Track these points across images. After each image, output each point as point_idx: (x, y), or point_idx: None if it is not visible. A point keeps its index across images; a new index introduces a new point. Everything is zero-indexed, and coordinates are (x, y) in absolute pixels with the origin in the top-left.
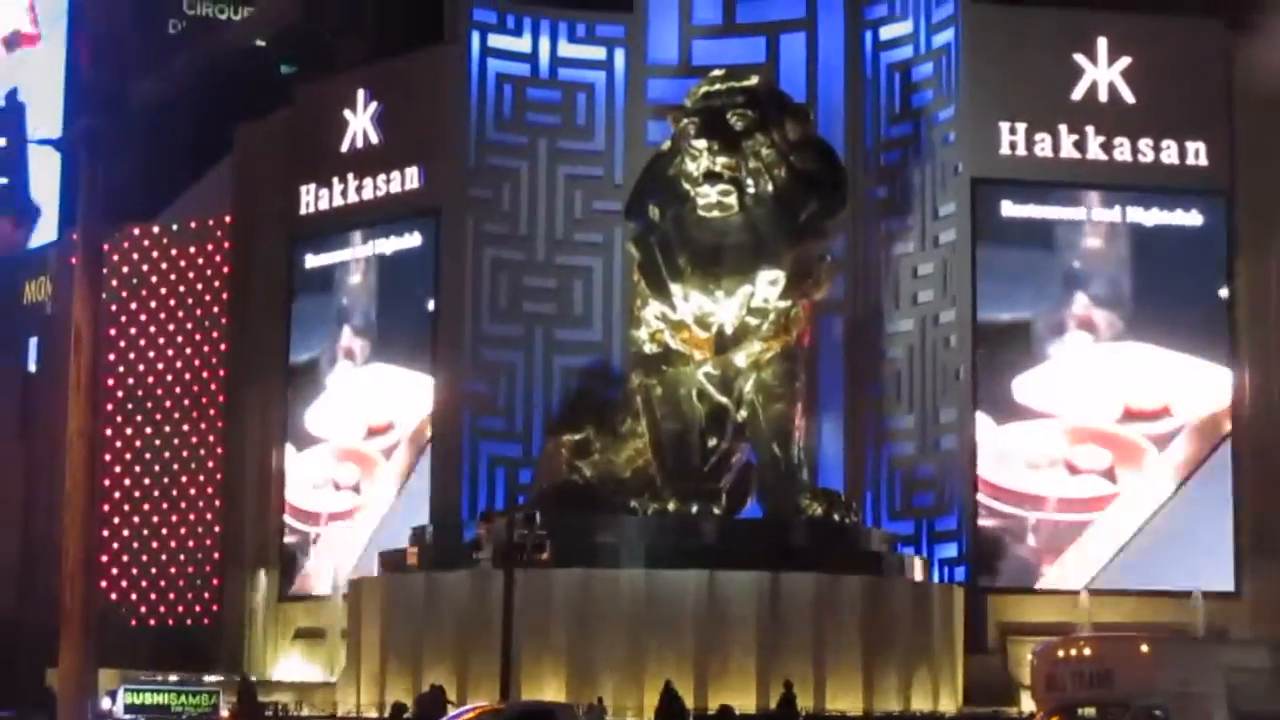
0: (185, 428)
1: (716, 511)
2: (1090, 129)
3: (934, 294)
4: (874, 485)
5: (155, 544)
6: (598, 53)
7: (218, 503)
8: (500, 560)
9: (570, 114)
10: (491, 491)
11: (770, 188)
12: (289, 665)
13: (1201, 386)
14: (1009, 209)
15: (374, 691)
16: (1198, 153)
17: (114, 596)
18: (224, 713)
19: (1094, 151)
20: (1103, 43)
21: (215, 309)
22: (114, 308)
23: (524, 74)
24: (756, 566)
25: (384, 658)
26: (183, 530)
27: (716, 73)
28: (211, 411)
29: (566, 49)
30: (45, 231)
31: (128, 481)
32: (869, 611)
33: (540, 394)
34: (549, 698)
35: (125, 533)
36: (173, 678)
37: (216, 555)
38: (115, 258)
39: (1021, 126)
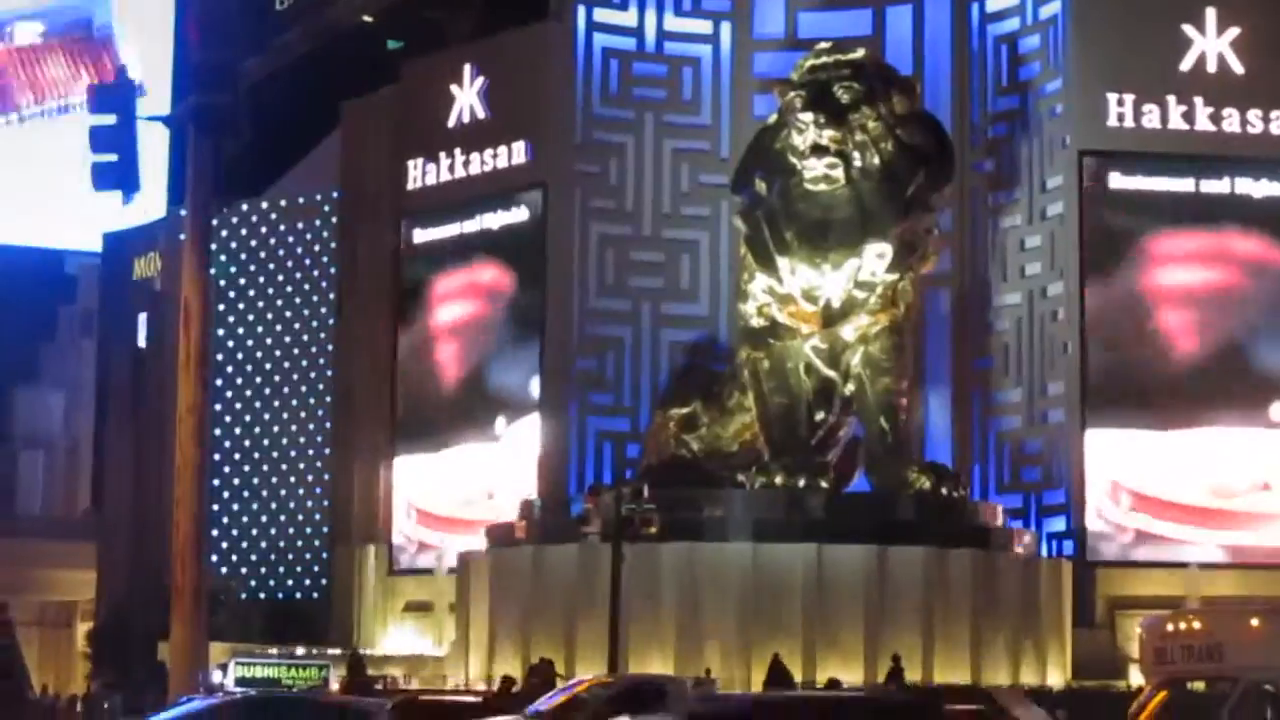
0: (294, 402)
1: (824, 485)
2: (1199, 100)
3: (1041, 267)
4: (981, 459)
5: (265, 518)
6: (704, 26)
7: (327, 477)
8: (608, 534)
9: (676, 88)
10: (599, 466)
11: (877, 161)
12: (398, 639)
13: None
14: (1116, 181)
15: (483, 665)
16: None
17: (224, 571)
18: (334, 686)
19: (1202, 123)
20: (1211, 13)
21: (323, 284)
22: (222, 283)
23: (630, 48)
24: (864, 540)
25: (492, 631)
26: (292, 504)
27: (822, 46)
28: (320, 386)
29: (672, 23)
30: (154, 208)
31: (237, 456)
32: (977, 585)
33: (647, 368)
34: (657, 671)
35: (235, 507)
36: (283, 651)
37: (326, 529)
38: (224, 233)
39: (1129, 98)
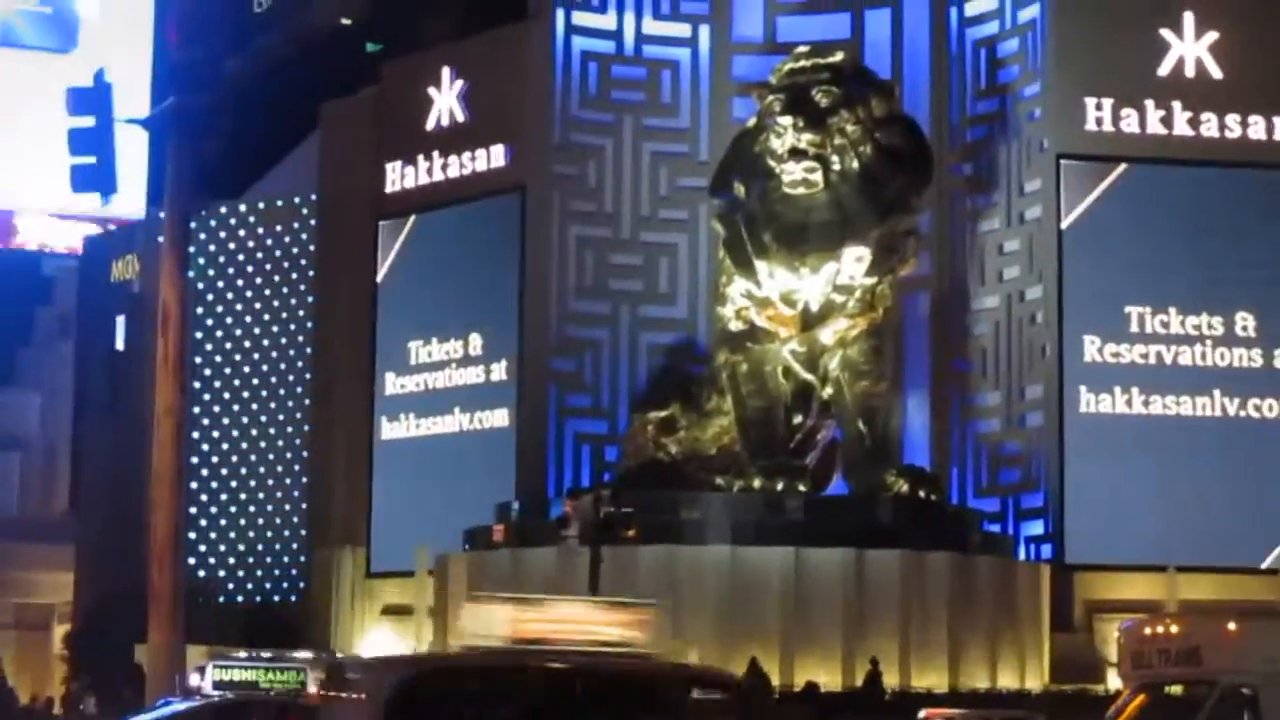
0: (272, 405)
1: (802, 489)
2: (1177, 104)
3: (1020, 270)
4: (960, 462)
5: (243, 521)
6: (682, 30)
7: (305, 479)
8: (586, 537)
9: (655, 91)
10: (577, 468)
11: (855, 164)
12: (376, 641)
13: None
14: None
15: None
16: None
17: (201, 573)
18: (312, 689)
19: (1180, 127)
20: (1189, 17)
21: (302, 286)
22: (201, 285)
23: (609, 51)
24: (842, 543)
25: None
26: (270, 507)
27: (801, 49)
28: (299, 389)
29: (651, 26)
30: (132, 210)
31: (215, 459)
32: (955, 589)
33: (626, 371)
34: None
35: (213, 510)
36: (261, 655)
37: (304, 531)
38: (202, 235)
39: (1108, 102)
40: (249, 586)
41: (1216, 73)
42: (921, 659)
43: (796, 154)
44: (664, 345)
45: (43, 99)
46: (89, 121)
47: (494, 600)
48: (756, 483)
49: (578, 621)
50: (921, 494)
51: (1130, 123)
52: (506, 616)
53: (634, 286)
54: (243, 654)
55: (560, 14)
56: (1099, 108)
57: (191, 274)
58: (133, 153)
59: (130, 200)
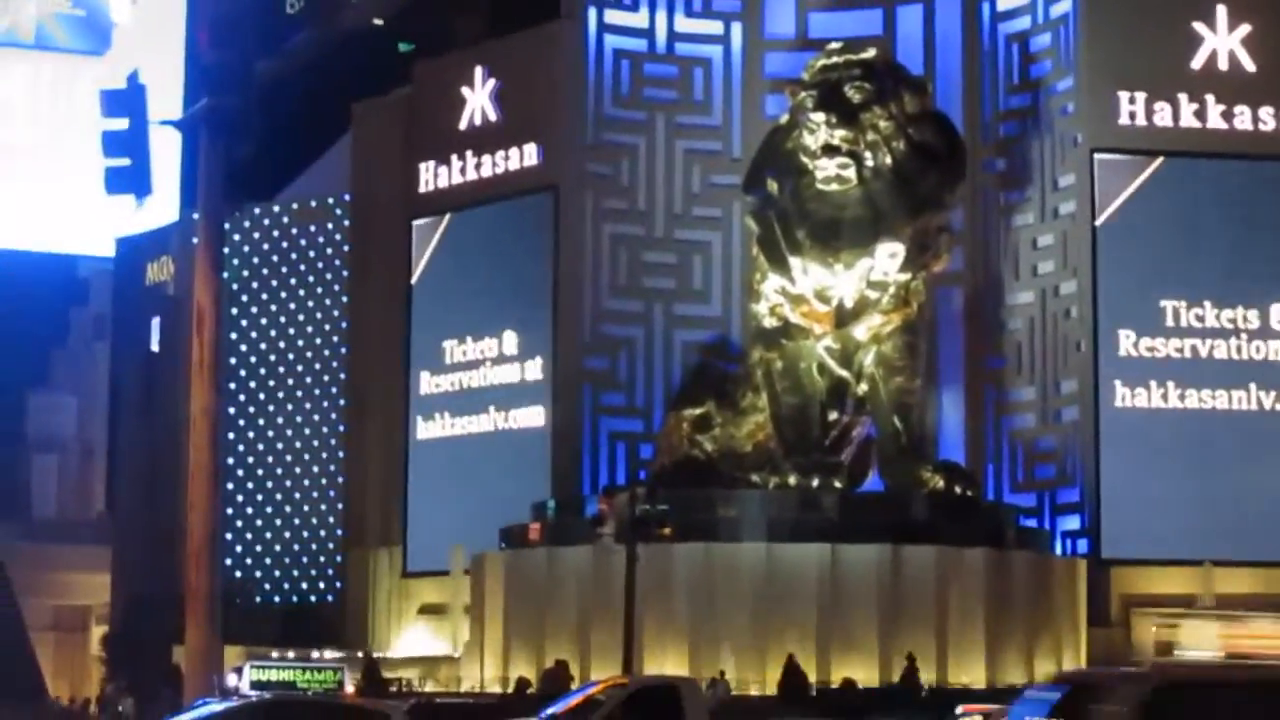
0: (308, 405)
1: (837, 485)
2: (1210, 97)
3: (1054, 265)
4: (995, 458)
5: (279, 521)
6: (714, 27)
7: (340, 479)
8: (622, 535)
9: (688, 89)
10: (612, 467)
11: (888, 160)
12: (413, 641)
13: None
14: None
15: (498, 666)
16: None
17: (238, 574)
18: (349, 689)
19: (1214, 120)
20: (1222, 10)
21: (336, 286)
22: (235, 287)
23: (641, 49)
24: (878, 540)
25: (507, 633)
26: (306, 507)
27: (833, 46)
28: (334, 389)
29: (683, 24)
30: (166, 212)
31: (251, 460)
32: (991, 584)
33: (660, 369)
34: (671, 672)
35: (249, 510)
36: (298, 654)
37: (340, 532)
38: (236, 237)
39: (1140, 96)
40: (285, 586)
41: (1249, 65)
42: (958, 654)
43: (829, 150)
44: (698, 343)
45: (76, 101)
46: (123, 124)
47: (1203, 617)
48: (792, 480)
49: (1276, 637)
50: (957, 490)
51: (1163, 116)
52: (1218, 632)
53: (667, 284)
54: (282, 654)
55: (592, 12)
56: (1132, 102)
57: (226, 275)
58: (166, 155)
59: (164, 203)
